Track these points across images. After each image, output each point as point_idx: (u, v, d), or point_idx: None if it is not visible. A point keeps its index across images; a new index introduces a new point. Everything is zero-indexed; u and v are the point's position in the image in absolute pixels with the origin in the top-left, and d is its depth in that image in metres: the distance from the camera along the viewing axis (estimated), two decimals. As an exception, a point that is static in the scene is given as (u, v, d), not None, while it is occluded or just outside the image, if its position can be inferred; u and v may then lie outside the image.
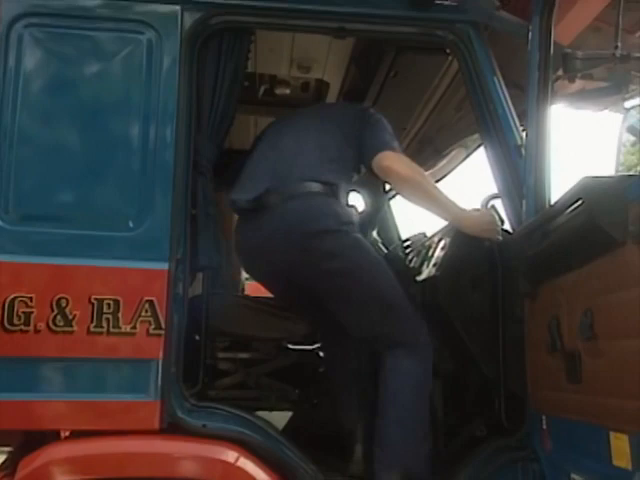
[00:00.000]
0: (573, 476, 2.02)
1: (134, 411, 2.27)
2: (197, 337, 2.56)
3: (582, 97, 2.87)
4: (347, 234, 2.49)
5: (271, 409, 2.76)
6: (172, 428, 2.29)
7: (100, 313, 2.25)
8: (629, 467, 1.67)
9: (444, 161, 4.05)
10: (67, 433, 2.27)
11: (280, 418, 2.70)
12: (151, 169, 2.36)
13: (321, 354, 3.00)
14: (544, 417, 2.22)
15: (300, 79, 3.51)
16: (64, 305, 2.23)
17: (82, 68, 2.40)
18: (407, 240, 3.61)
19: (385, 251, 3.54)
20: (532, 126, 2.31)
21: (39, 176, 2.34)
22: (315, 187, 2.50)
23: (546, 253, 2.14)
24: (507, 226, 2.53)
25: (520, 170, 2.40)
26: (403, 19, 2.58)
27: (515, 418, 2.41)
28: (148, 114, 2.38)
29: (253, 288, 4.17)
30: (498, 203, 2.56)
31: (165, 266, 2.31)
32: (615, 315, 1.71)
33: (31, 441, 2.27)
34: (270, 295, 2.86)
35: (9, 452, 2.51)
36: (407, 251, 3.46)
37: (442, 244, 2.85)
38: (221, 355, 2.79)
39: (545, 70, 2.29)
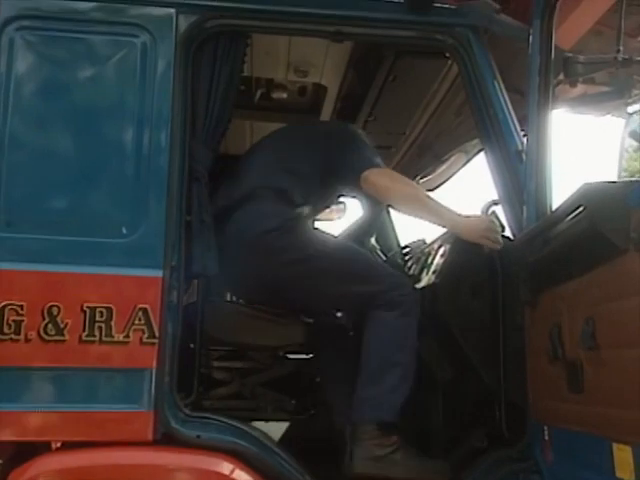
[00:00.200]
0: (575, 488, 2.01)
1: (127, 422, 2.26)
2: (192, 346, 2.55)
3: (584, 102, 2.87)
4: (291, 228, 2.58)
5: (267, 419, 2.75)
6: (166, 439, 2.28)
7: (92, 321, 2.24)
8: (632, 479, 1.67)
9: (444, 166, 4.06)
10: (58, 444, 2.27)
11: (276, 429, 2.69)
12: (145, 174, 2.36)
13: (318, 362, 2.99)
14: (546, 428, 2.22)
15: (297, 83, 3.52)
16: (55, 313, 2.22)
17: (75, 72, 2.40)
18: (406, 247, 3.62)
19: (384, 258, 3.54)
20: (533, 131, 2.32)
21: (30, 181, 2.33)
22: (262, 192, 2.61)
23: (547, 260, 2.14)
24: (508, 232, 2.53)
25: (521, 176, 2.40)
26: (402, 23, 2.58)
27: (516, 428, 2.41)
28: (142, 119, 2.37)
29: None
30: (498, 209, 2.56)
31: (159, 273, 2.30)
32: (617, 324, 1.71)
33: (22, 453, 2.26)
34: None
35: (-1, 464, 2.51)
36: (406, 258, 3.46)
37: (442, 251, 2.85)
38: (216, 364, 2.79)
39: (546, 74, 2.29)
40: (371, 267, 2.69)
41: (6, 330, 2.20)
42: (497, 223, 2.51)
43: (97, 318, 2.24)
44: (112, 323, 2.25)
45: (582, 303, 1.90)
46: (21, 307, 2.22)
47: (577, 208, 1.85)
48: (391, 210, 4.08)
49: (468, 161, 3.92)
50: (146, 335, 2.26)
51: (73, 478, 2.22)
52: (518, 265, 2.35)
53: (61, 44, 2.40)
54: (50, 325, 2.22)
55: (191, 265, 2.41)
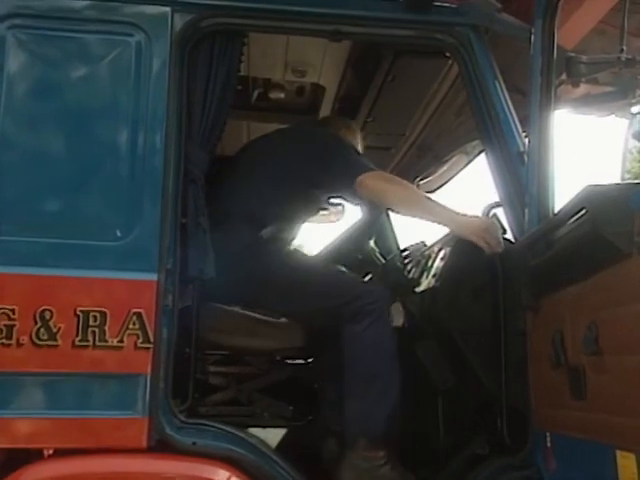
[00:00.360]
0: (578, 497, 2.01)
1: (121, 428, 2.25)
2: (187, 350, 2.54)
3: (586, 102, 2.87)
4: (255, 251, 2.65)
5: (264, 426, 2.74)
6: (160, 446, 2.27)
7: (86, 326, 2.23)
8: (636, 487, 1.66)
9: (444, 168, 4.05)
10: (51, 451, 2.26)
11: (274, 435, 2.69)
12: (140, 176, 2.35)
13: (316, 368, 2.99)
14: (548, 435, 2.21)
15: (295, 83, 3.51)
16: (48, 317, 2.22)
17: (68, 71, 2.39)
18: (406, 250, 3.61)
19: (383, 261, 3.53)
20: (535, 132, 2.31)
21: (23, 183, 2.33)
22: (231, 215, 2.69)
23: (549, 264, 2.13)
24: (509, 235, 2.53)
25: (522, 178, 2.40)
26: (401, 22, 2.57)
27: (518, 435, 2.40)
28: (137, 119, 2.37)
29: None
30: (500, 212, 2.56)
31: (154, 277, 2.29)
32: (621, 329, 1.70)
33: (13, 460, 2.25)
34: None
35: (-10, 471, 2.49)
36: (406, 261, 3.45)
37: (442, 254, 2.84)
38: (212, 369, 2.78)
39: (548, 74, 2.29)
40: (331, 282, 2.71)
41: (-2, 334, 2.19)
42: (499, 226, 2.51)
43: (91, 322, 2.24)
44: (106, 328, 2.24)
45: (585, 308, 1.90)
46: (13, 311, 2.21)
47: (580, 211, 1.84)
48: (390, 212, 4.09)
49: (469, 162, 3.92)
50: (140, 340, 2.25)
51: (66, 486, 2.21)
52: (520, 269, 2.34)
53: (54, 43, 2.40)
54: (42, 330, 2.21)
55: (187, 268, 2.40)
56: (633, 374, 1.63)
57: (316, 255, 3.31)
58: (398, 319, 3.18)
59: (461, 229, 2.55)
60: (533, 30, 2.35)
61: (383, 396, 2.49)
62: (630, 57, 2.16)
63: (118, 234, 2.32)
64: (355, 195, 2.74)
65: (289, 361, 2.99)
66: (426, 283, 2.87)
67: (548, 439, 2.21)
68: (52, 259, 2.28)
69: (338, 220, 3.86)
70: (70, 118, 2.38)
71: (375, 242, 3.53)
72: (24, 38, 2.37)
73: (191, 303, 2.47)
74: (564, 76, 2.35)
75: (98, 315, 2.24)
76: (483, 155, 2.76)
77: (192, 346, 2.52)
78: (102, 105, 2.39)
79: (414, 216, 2.68)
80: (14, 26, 2.36)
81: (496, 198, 2.55)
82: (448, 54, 2.68)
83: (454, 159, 3.93)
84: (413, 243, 3.61)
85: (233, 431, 2.35)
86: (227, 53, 2.52)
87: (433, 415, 2.81)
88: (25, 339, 2.20)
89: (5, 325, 2.20)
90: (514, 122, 2.51)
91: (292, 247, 2.99)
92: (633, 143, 2.57)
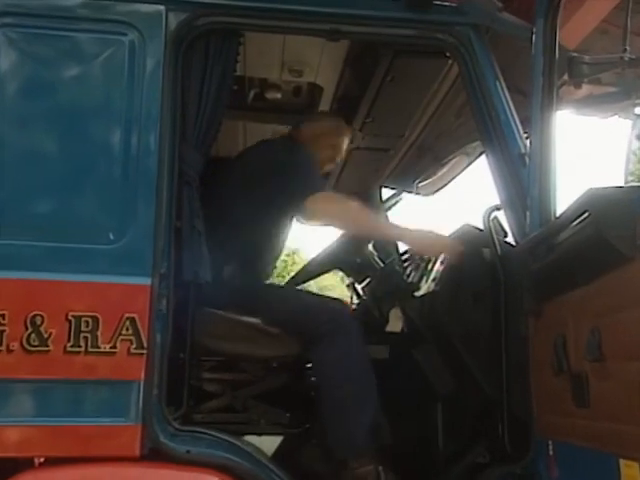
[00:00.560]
0: (581, 506, 2.01)
1: (113, 436, 2.24)
2: (181, 356, 2.54)
3: (589, 103, 2.87)
4: (221, 281, 2.67)
5: (260, 433, 2.74)
6: (154, 454, 2.26)
7: (78, 331, 2.23)
8: (640, 497, 1.66)
9: (444, 169, 4.05)
10: (41, 460, 2.25)
11: (269, 443, 2.68)
12: (133, 178, 2.35)
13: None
14: (550, 443, 2.21)
15: (292, 83, 3.51)
16: (39, 323, 2.21)
17: (61, 71, 2.39)
18: (405, 253, 3.61)
19: (382, 265, 3.53)
20: (536, 134, 2.31)
21: (13, 185, 2.32)
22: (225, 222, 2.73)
23: (551, 268, 2.13)
24: (510, 239, 2.53)
25: (524, 180, 2.40)
26: (400, 21, 2.57)
27: (519, 443, 2.39)
28: (130, 120, 2.37)
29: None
30: (501, 215, 2.56)
31: (148, 281, 2.29)
32: (624, 335, 1.70)
33: (2, 469, 2.23)
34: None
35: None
36: (405, 265, 3.45)
37: (442, 257, 2.84)
38: (207, 376, 2.77)
39: (550, 75, 2.29)
40: (290, 311, 2.71)
41: (-13, 340, 2.19)
42: (457, 242, 2.61)
43: (83, 328, 2.23)
44: (98, 333, 2.23)
45: (588, 313, 1.90)
46: (3, 316, 2.20)
47: (582, 214, 1.84)
48: (390, 215, 4.09)
49: (469, 164, 3.91)
50: (134, 346, 2.25)
51: (57, 495, 2.21)
52: (521, 273, 2.34)
53: (46, 42, 2.39)
54: (33, 335, 2.21)
55: (181, 272, 2.40)
56: (637, 380, 1.63)
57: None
58: (397, 324, 3.18)
59: (414, 245, 2.71)
60: (534, 29, 2.35)
61: (360, 414, 2.51)
62: (633, 57, 2.16)
63: (111, 237, 2.32)
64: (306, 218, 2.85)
65: (285, 368, 2.98)
66: (426, 287, 2.87)
67: (550, 447, 2.20)
68: (43, 263, 2.28)
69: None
70: (62, 119, 2.38)
71: (374, 245, 3.53)
72: (15, 37, 2.37)
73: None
74: (566, 76, 2.35)
75: (90, 320, 2.24)
76: (484, 157, 2.77)
77: (186, 352, 2.52)
78: (95, 106, 2.39)
79: (366, 236, 2.87)
80: (5, 25, 2.36)
81: (497, 201, 2.55)
82: (448, 54, 2.68)
83: (454, 160, 3.92)
84: (413, 247, 3.60)
85: (228, 439, 2.34)
86: (222, 52, 2.52)
87: (433, 422, 2.81)
88: (15, 345, 2.20)
89: (-5, 331, 2.19)
90: (515, 123, 2.51)
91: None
92: (637, 144, 2.57)
